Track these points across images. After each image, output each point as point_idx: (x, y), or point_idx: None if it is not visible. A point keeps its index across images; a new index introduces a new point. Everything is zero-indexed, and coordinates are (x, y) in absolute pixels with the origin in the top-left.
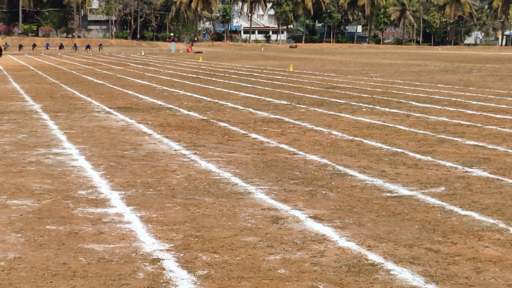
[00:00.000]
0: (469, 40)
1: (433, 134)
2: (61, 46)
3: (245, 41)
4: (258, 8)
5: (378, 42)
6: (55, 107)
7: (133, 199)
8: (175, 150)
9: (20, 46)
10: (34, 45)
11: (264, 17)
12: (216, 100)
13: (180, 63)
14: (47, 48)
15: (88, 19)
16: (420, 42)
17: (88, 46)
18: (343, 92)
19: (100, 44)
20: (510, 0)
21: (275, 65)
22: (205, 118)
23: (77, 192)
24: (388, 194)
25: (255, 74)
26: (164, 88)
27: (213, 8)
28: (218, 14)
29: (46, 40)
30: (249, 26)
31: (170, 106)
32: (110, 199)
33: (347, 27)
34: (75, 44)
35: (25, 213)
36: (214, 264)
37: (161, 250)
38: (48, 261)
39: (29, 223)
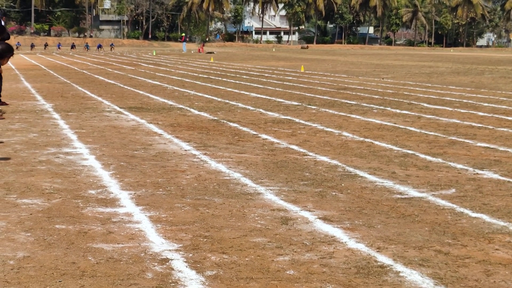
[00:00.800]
0: (481, 42)
1: (444, 136)
2: (72, 46)
3: (256, 41)
4: (270, 8)
5: (389, 43)
6: (66, 107)
7: (142, 199)
8: (185, 150)
9: (32, 46)
10: (46, 45)
11: (275, 18)
12: (227, 101)
13: (191, 63)
14: (58, 48)
15: (100, 19)
16: (432, 43)
17: (99, 46)
18: (354, 93)
19: (112, 44)
20: None
21: (286, 66)
22: (215, 118)
23: (87, 191)
24: (398, 196)
25: (266, 74)
26: (175, 88)
27: (224, 9)
28: (230, 15)
29: (58, 40)
30: (260, 26)
31: (180, 106)
32: (120, 198)
33: (358, 28)
34: (86, 43)
35: (34, 212)
36: (223, 264)
37: (170, 250)
38: (57, 260)
39: (38, 222)
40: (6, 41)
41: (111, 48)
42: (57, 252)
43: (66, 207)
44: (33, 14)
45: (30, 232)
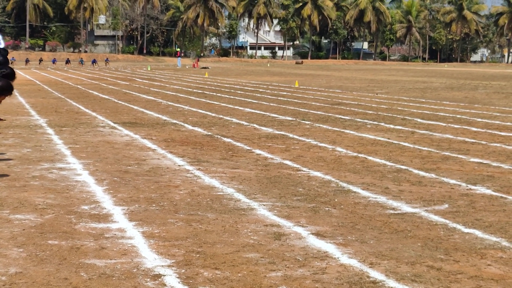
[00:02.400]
0: (475, 57)
1: (437, 151)
2: (67, 61)
3: (251, 57)
4: (265, 24)
5: (384, 58)
6: (60, 122)
7: (135, 215)
8: (179, 165)
9: (27, 61)
10: (40, 60)
11: (270, 33)
12: (221, 116)
13: (186, 78)
14: (53, 63)
15: (95, 34)
16: (426, 59)
17: (94, 61)
18: (348, 108)
19: (107, 59)
20: None
21: (281, 81)
22: (209, 133)
23: (80, 207)
24: (391, 211)
25: (261, 90)
26: (169, 103)
27: (219, 24)
28: (225, 30)
29: (53, 55)
30: (255, 42)
31: (175, 121)
32: (113, 214)
33: (353, 44)
34: (81, 59)
35: (27, 228)
36: (215, 280)
37: (162, 266)
38: (49, 276)
39: (31, 237)
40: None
41: (105, 63)
42: (49, 268)
43: (59, 222)
44: (28, 29)
45: (23, 248)
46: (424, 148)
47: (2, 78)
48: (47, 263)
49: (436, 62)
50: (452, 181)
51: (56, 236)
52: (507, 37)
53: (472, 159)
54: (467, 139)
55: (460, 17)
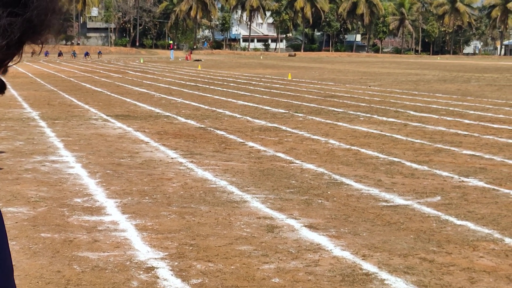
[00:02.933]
0: (468, 49)
1: (430, 143)
2: (60, 54)
3: (244, 49)
4: (257, 16)
5: (377, 51)
6: (53, 115)
7: (128, 207)
8: (172, 158)
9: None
10: (33, 52)
11: (263, 26)
12: (214, 108)
13: (179, 71)
14: (46, 55)
15: (87, 26)
16: (419, 51)
17: (87, 54)
18: (341, 101)
19: (99, 52)
20: (509, 10)
21: (274, 74)
22: (202, 126)
23: (72, 199)
24: (384, 204)
25: (254, 82)
26: (162, 96)
27: (212, 17)
28: (217, 22)
29: (45, 47)
30: (248, 34)
31: (167, 114)
32: (106, 207)
33: (346, 36)
34: (74, 51)
35: (20, 221)
36: (208, 272)
37: (155, 258)
38: (42, 269)
39: (24, 230)
40: None
41: (98, 56)
42: (42, 260)
43: (52, 215)
44: None
45: (15, 241)
46: (416, 141)
47: None
48: (40, 256)
49: (429, 54)
50: (445, 173)
51: (49, 229)
52: (500, 30)
53: (464, 152)
54: (459, 132)
55: (453, 10)
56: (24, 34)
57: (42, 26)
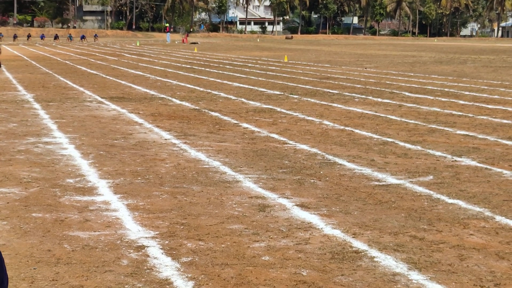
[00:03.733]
0: (465, 31)
1: (424, 124)
2: (56, 37)
3: (241, 32)
4: None
5: (374, 33)
6: (47, 97)
7: (120, 188)
8: (166, 139)
9: (15, 36)
10: (29, 35)
11: (260, 8)
12: (209, 90)
13: (175, 53)
14: (42, 39)
15: (84, 9)
16: (416, 33)
17: (83, 37)
18: (336, 82)
19: (95, 35)
20: None
21: (270, 56)
22: (197, 108)
23: (65, 180)
24: (376, 183)
25: (250, 64)
26: (158, 78)
27: None
28: (214, 5)
29: (41, 31)
30: (245, 17)
31: (162, 96)
32: (98, 187)
33: (343, 19)
34: (70, 34)
35: (11, 201)
36: (198, 251)
37: (146, 237)
38: (33, 248)
39: (15, 210)
40: None
41: (94, 39)
42: (32, 240)
43: (44, 195)
44: (15, 5)
45: (6, 221)
46: (411, 121)
47: None
48: (30, 236)
49: (426, 36)
50: (438, 153)
51: (40, 209)
52: (497, 11)
53: (458, 132)
54: (454, 112)
55: None
56: None
57: None
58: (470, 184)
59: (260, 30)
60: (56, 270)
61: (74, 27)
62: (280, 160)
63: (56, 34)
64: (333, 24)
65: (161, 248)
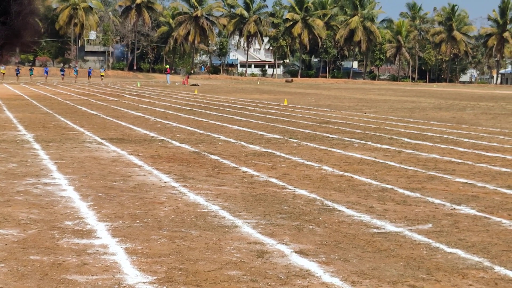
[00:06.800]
0: (464, 77)
1: (423, 171)
2: (62, 70)
3: (241, 74)
4: (255, 42)
5: (373, 78)
6: (47, 137)
7: (119, 231)
8: (165, 182)
9: (18, 72)
10: (31, 70)
11: (260, 51)
12: (209, 133)
13: (175, 95)
14: (46, 73)
15: (85, 49)
16: (416, 79)
17: (90, 72)
18: (336, 127)
19: (102, 69)
20: (505, 39)
21: (270, 99)
22: (196, 150)
23: (63, 222)
24: (375, 230)
25: (249, 107)
26: (158, 120)
27: (210, 42)
28: (215, 47)
29: (43, 71)
30: (245, 59)
31: (162, 138)
32: (96, 230)
33: (343, 63)
34: (62, 68)
35: (9, 243)
36: None
37: (144, 282)
38: None
39: (13, 253)
40: None
41: (101, 79)
42: (30, 283)
43: (42, 238)
44: None
45: (4, 263)
46: (410, 168)
47: None
48: (28, 279)
49: (425, 82)
50: (437, 201)
51: (38, 251)
52: (496, 58)
53: (457, 179)
54: (453, 159)
55: (449, 38)
56: (6, 39)
57: (24, 29)
58: (469, 233)
59: (261, 73)
60: None
61: (76, 67)
62: (279, 205)
63: (63, 67)
64: (333, 68)
65: None
